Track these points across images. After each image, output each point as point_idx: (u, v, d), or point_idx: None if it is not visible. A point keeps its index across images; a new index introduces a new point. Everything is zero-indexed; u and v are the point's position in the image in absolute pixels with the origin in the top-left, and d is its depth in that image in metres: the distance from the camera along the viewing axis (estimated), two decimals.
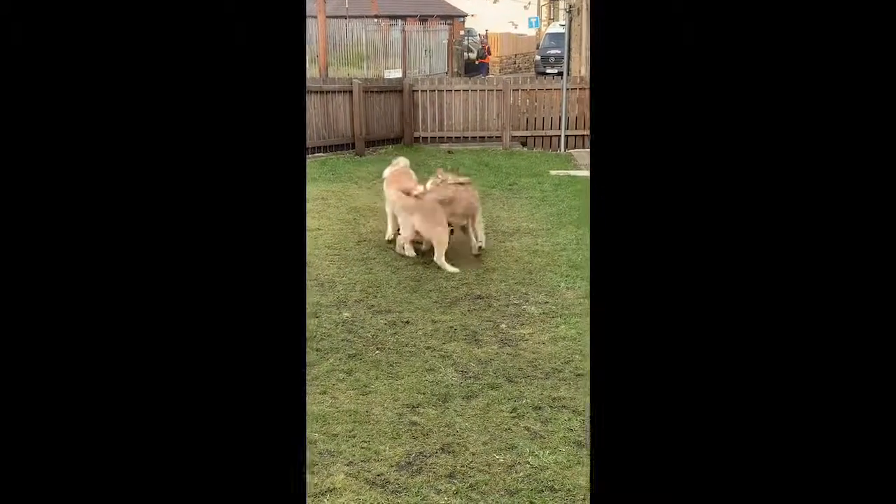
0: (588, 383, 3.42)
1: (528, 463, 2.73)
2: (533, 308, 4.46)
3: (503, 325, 4.18)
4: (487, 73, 26.08)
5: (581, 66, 15.74)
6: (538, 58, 26.18)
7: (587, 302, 4.57)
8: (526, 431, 2.96)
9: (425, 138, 11.86)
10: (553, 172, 9.41)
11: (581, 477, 2.63)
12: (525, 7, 32.28)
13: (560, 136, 11.65)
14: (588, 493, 2.53)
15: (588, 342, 4.11)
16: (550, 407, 3.17)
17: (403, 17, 25.25)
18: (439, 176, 5.93)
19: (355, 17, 23.61)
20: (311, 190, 7.37)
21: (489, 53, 27.74)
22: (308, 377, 3.47)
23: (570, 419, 3.06)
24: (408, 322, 4.22)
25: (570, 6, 14.64)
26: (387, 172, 6.25)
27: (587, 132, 11.77)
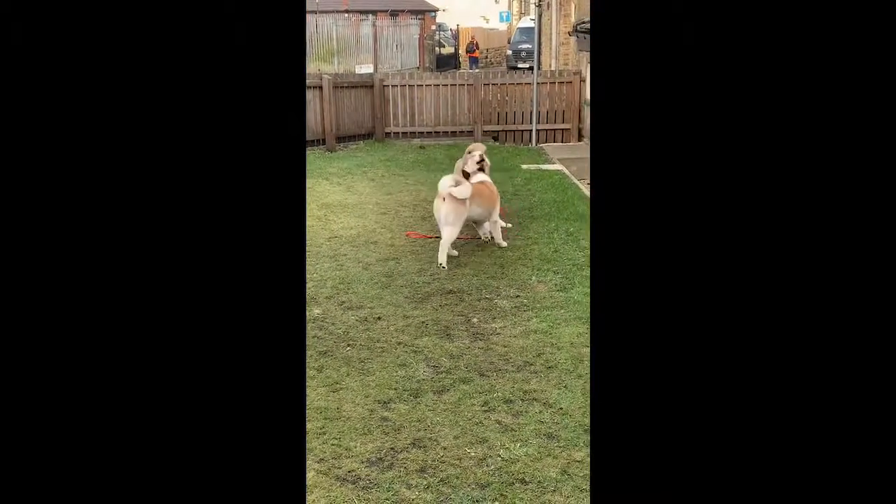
0: (559, 376, 3.44)
1: (499, 456, 2.74)
2: (504, 302, 4.47)
3: (475, 320, 4.19)
4: (477, 66, 26.72)
5: (551, 60, 15.80)
6: (509, 52, 26.26)
7: (558, 295, 4.61)
8: (497, 425, 2.97)
9: (396, 133, 11.82)
10: (524, 167, 9.44)
11: (552, 469, 2.64)
12: (496, 1, 32.34)
13: (531, 130, 11.69)
14: (558, 485, 2.54)
15: (559, 335, 4.13)
16: (521, 400, 3.19)
17: (374, 12, 25.15)
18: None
19: (326, 11, 23.45)
20: None
21: (477, 48, 28.25)
22: None
23: (540, 412, 3.07)
24: (379, 318, 4.21)
25: (540, 1, 14.67)
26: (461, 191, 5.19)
27: (558, 126, 11.84)
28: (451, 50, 29.24)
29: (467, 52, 28.50)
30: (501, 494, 2.50)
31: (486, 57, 32.53)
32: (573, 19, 12.22)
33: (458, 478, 2.60)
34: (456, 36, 30.66)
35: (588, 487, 2.46)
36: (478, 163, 5.78)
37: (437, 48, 27.46)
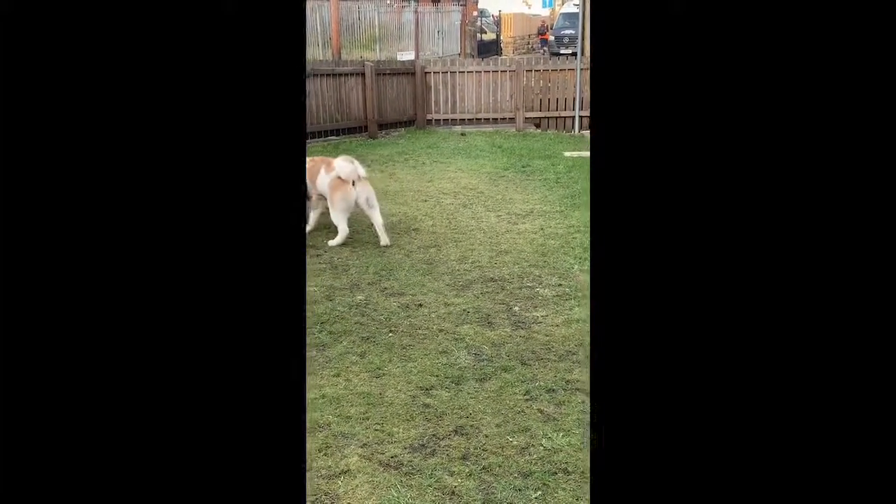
0: None
1: (542, 445, 2.73)
2: (546, 291, 4.45)
3: (516, 308, 4.17)
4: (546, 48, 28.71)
5: None
6: (552, 38, 26.03)
7: None
8: (539, 414, 2.96)
9: (438, 120, 11.81)
10: (567, 154, 9.35)
11: None
12: None
13: (574, 116, 11.56)
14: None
15: None
16: (564, 389, 3.17)
17: None
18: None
19: None
20: None
21: (548, 30, 29.77)
22: (321, 360, 3.48)
23: (583, 402, 3.05)
24: (421, 305, 4.22)
25: None
26: None
27: None
28: (493, 36, 29.09)
29: (539, 33, 31.24)
30: (544, 484, 2.49)
31: (528, 43, 32.26)
32: None
33: (500, 466, 2.59)
34: (498, 22, 30.47)
35: None
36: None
37: (478, 34, 27.33)
